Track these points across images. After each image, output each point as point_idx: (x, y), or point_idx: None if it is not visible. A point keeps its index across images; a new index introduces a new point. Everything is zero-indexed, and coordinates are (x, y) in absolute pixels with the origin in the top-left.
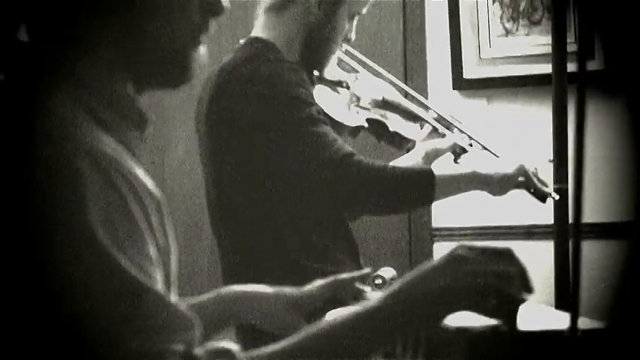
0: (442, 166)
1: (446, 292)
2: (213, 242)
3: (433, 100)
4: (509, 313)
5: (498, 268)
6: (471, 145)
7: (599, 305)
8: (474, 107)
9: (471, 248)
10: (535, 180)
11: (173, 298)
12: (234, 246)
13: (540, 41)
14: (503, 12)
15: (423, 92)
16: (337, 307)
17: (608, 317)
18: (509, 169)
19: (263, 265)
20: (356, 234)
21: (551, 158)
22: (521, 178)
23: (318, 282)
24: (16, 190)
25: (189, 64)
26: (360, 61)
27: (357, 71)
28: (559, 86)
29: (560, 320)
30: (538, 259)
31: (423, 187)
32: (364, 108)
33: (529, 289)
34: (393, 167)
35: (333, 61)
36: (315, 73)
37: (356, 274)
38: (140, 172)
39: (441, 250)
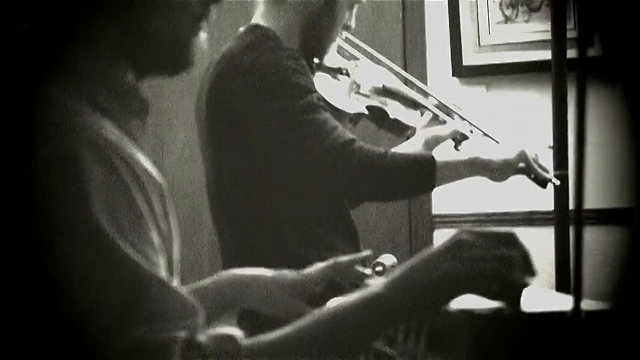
0: (443, 153)
1: (449, 276)
2: (213, 232)
3: (432, 87)
4: (513, 296)
5: (501, 251)
6: (471, 132)
7: (601, 290)
8: (474, 94)
9: (474, 232)
10: (536, 166)
11: (176, 284)
12: (235, 235)
13: (539, 28)
14: None
15: (423, 79)
16: (338, 294)
17: (611, 301)
18: (510, 155)
19: (264, 254)
20: (356, 222)
21: (551, 144)
22: (521, 164)
23: (319, 265)
24: (19, 179)
25: (190, 51)
26: (360, 49)
27: (357, 58)
28: (559, 73)
29: (562, 302)
30: (538, 245)
31: (424, 173)
32: (364, 95)
33: (532, 272)
34: (394, 153)
35: (333, 48)
36: (315, 60)
37: (356, 256)
38: (142, 159)
39: (442, 237)
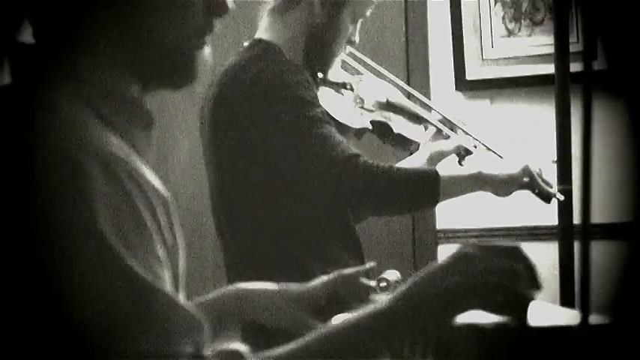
0: (447, 168)
1: (455, 291)
2: (217, 244)
3: (436, 102)
4: (519, 310)
5: (506, 265)
6: (475, 147)
7: (605, 304)
8: (477, 108)
9: (479, 246)
10: (540, 181)
11: (181, 298)
12: (239, 248)
13: (543, 42)
14: (505, 13)
15: (426, 94)
16: (343, 307)
17: (615, 315)
18: (514, 169)
19: (268, 268)
20: (360, 236)
21: (555, 159)
22: (525, 179)
23: (323, 277)
24: (25, 190)
25: (194, 65)
26: (363, 63)
27: (361, 73)
28: (562, 86)
29: (568, 317)
30: (542, 260)
31: (428, 187)
32: (368, 110)
33: (538, 286)
34: (398, 168)
35: (336, 63)
36: (319, 75)
37: (360, 268)
38: (148, 173)
39: (446, 252)
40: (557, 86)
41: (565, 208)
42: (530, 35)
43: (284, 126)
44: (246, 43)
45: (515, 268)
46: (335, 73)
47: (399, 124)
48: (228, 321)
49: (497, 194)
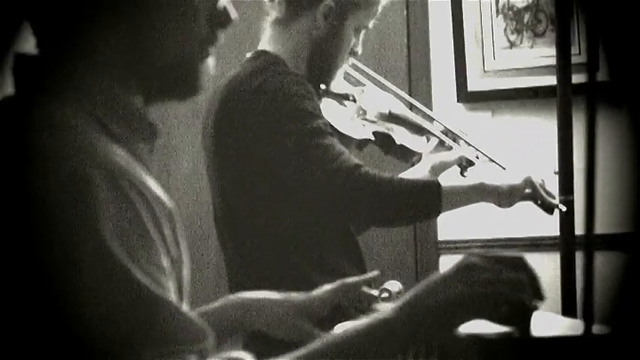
0: (449, 179)
1: (458, 300)
2: (219, 254)
3: (437, 113)
4: (522, 321)
5: (510, 275)
6: (477, 158)
7: (606, 315)
8: (479, 120)
9: (483, 256)
10: (542, 192)
11: (185, 308)
12: (241, 258)
13: (544, 53)
14: (507, 24)
15: (428, 105)
16: (345, 317)
17: (616, 325)
18: (516, 180)
19: (270, 278)
20: (361, 247)
21: (557, 170)
22: (528, 190)
23: (326, 287)
24: (28, 200)
25: (198, 76)
26: (366, 75)
27: (363, 84)
28: (564, 98)
29: (570, 327)
30: (544, 271)
31: (430, 198)
32: (371, 121)
33: (541, 296)
34: (400, 179)
35: (339, 74)
36: (322, 86)
37: (363, 277)
38: (152, 183)
39: (448, 263)
40: (559, 98)
41: (567, 219)
42: (531, 47)
43: (286, 137)
44: (249, 55)
45: (519, 279)
46: (337, 84)
47: (402, 136)
48: (232, 330)
49: (499, 205)
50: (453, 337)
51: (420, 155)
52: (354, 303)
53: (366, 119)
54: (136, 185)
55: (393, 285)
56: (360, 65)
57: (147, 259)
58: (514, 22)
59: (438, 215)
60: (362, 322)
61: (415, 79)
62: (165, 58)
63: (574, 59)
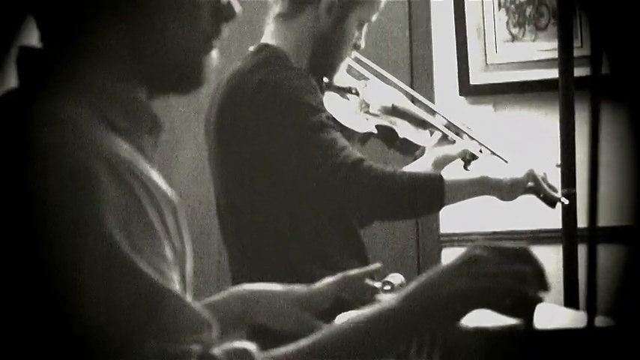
0: (452, 172)
1: (463, 291)
2: (221, 249)
3: (439, 107)
4: (526, 312)
5: (515, 267)
6: (480, 152)
7: (609, 307)
8: (481, 113)
9: (487, 248)
10: (545, 185)
11: (189, 299)
12: (243, 252)
13: (547, 47)
14: (509, 18)
15: (430, 98)
16: (346, 309)
17: (618, 317)
18: (519, 174)
19: (272, 272)
20: (364, 240)
21: (559, 163)
22: (530, 183)
23: (328, 279)
24: (32, 194)
25: (202, 69)
26: (369, 68)
27: (366, 78)
28: (566, 91)
29: (573, 318)
30: (546, 263)
31: (433, 192)
32: (374, 114)
33: (546, 288)
34: (403, 173)
35: (342, 68)
36: (325, 80)
37: (365, 269)
38: (155, 176)
39: (450, 256)
40: (561, 91)
41: (569, 212)
42: (534, 40)
43: (289, 131)
44: (252, 48)
45: (524, 270)
46: (340, 77)
47: (405, 129)
48: (234, 322)
49: (502, 198)
50: (456, 328)
51: (423, 149)
52: (357, 295)
53: (369, 113)
54: (140, 178)
55: (396, 277)
56: (363, 59)
57: (151, 250)
58: (516, 16)
59: (441, 209)
60: (365, 311)
61: (417, 73)
62: (170, 51)
63: (576, 52)
